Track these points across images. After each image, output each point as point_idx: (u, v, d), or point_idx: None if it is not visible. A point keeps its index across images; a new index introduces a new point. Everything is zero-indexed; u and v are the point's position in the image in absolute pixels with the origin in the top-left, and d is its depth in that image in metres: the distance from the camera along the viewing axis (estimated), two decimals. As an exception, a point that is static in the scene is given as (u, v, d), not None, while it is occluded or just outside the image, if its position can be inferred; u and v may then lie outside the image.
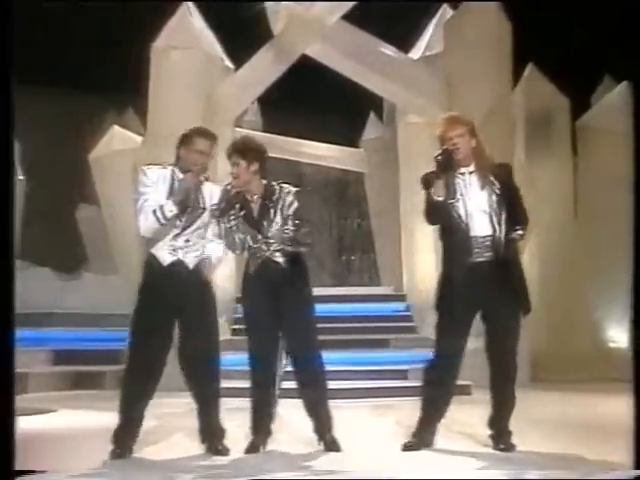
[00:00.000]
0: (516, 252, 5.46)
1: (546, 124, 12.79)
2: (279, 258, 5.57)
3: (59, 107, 15.07)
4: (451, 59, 11.67)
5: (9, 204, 4.28)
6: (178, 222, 5.47)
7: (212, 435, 5.53)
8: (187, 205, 5.45)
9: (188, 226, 5.51)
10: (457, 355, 5.51)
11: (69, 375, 11.33)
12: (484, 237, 5.39)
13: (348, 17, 11.50)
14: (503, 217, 5.41)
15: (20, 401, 9.34)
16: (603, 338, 12.48)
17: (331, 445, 5.58)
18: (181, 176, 5.49)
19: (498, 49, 11.50)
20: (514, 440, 5.49)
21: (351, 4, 11.39)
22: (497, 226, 5.40)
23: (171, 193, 5.45)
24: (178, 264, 5.48)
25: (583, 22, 12.63)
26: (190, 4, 11.94)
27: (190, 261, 5.51)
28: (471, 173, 5.48)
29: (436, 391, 5.53)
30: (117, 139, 13.39)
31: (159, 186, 5.46)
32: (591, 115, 13.15)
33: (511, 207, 5.46)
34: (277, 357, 5.63)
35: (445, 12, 12.75)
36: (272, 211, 5.57)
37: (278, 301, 5.55)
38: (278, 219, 5.56)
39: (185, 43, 11.66)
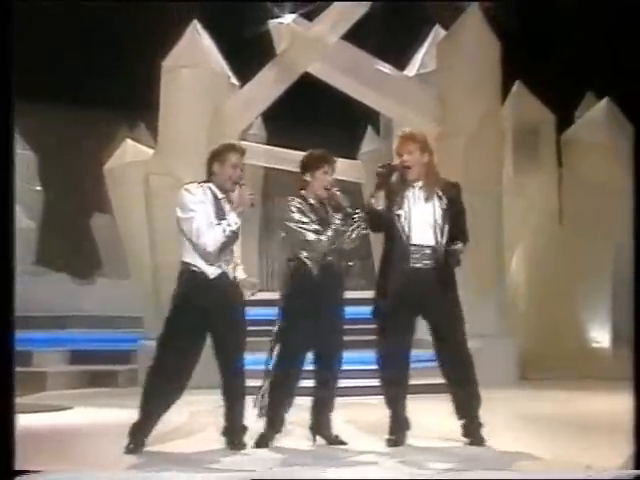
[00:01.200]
0: (457, 262, 5.45)
1: (533, 137, 12.76)
2: (336, 265, 5.59)
3: (76, 123, 15.03)
4: (444, 76, 11.64)
5: (9, 207, 4.19)
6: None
7: (233, 431, 5.42)
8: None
9: (235, 239, 5.40)
10: (403, 354, 5.51)
11: (85, 374, 11.29)
12: (426, 246, 5.41)
13: (347, 36, 11.47)
14: (446, 230, 5.43)
15: (38, 399, 9.37)
16: (587, 339, 12.41)
17: (334, 440, 5.54)
18: (220, 194, 5.35)
19: (488, 67, 11.48)
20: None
21: (350, 24, 11.35)
22: (439, 238, 5.42)
23: (217, 208, 5.32)
24: (223, 276, 5.37)
25: (567, 42, 12.64)
26: (198, 25, 11.90)
27: (230, 272, 5.41)
28: (420, 188, 5.51)
29: (393, 389, 5.52)
30: (130, 152, 13.33)
31: (206, 203, 5.32)
32: (575, 129, 13.11)
33: (454, 224, 5.50)
34: (305, 357, 5.58)
35: (438, 32, 12.72)
36: (345, 221, 5.60)
37: (320, 302, 5.50)
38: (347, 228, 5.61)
39: (193, 61, 11.62)
